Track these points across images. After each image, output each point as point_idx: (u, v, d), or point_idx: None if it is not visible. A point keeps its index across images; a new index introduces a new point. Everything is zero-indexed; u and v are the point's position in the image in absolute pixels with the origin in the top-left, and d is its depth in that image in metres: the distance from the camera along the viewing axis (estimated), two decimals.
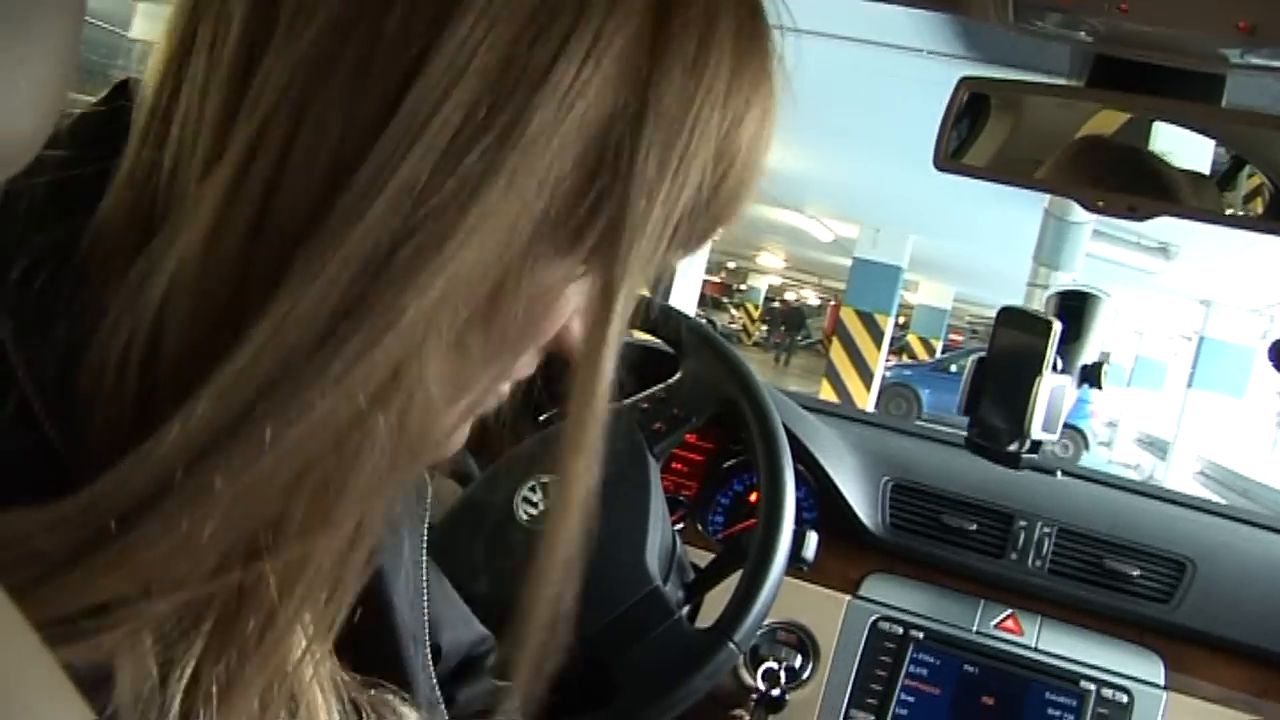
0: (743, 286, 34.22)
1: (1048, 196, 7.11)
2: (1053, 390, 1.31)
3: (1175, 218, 1.05)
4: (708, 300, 24.80)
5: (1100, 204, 1.05)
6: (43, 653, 0.29)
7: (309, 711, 0.48)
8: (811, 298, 34.83)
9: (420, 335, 0.40)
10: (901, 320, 22.03)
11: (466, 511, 1.24)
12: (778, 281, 34.67)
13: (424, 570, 0.69)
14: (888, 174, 10.15)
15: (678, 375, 1.29)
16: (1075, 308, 1.43)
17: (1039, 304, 1.51)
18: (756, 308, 32.05)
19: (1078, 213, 6.93)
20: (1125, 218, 1.04)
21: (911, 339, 22.43)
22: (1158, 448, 16.74)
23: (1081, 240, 7.34)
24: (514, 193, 0.40)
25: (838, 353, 14.25)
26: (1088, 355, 1.42)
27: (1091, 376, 1.41)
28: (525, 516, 1.21)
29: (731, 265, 32.29)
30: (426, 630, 0.68)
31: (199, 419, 0.37)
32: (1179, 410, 15.45)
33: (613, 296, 0.44)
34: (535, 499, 1.22)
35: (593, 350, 0.45)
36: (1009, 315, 1.37)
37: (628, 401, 1.28)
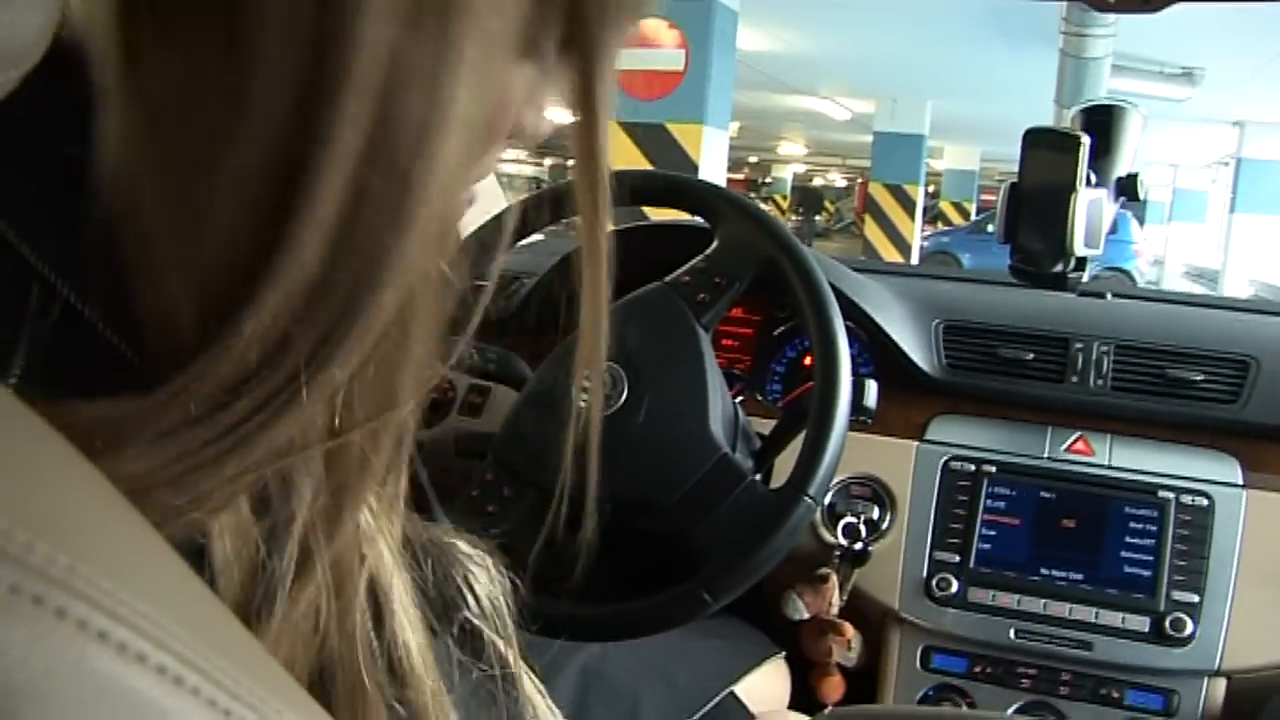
0: (768, 179, 33.93)
1: (1061, 38, 6.99)
2: (1089, 204, 1.30)
3: (1188, 1, 1.03)
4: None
5: (1113, 1, 1.04)
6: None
7: (380, 571, 0.49)
8: (838, 179, 34.52)
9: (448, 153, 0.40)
10: (931, 188, 21.80)
11: (528, 403, 1.25)
12: (802, 169, 34.37)
13: None
14: (897, 43, 10.00)
15: (714, 244, 1.29)
16: (1102, 121, 1.41)
17: None
18: (785, 198, 31.81)
19: (1094, 48, 6.80)
20: (1139, 11, 1.02)
21: (944, 205, 22.23)
22: (1207, 278, 16.56)
23: (1102, 77, 7.22)
24: None
25: (872, 229, 14.17)
26: (1121, 167, 1.40)
27: (1128, 189, 1.40)
28: (584, 403, 1.22)
29: (753, 159, 32.02)
30: None
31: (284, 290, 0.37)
32: (1224, 237, 15.26)
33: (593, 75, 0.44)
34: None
35: (591, 139, 0.46)
36: (1036, 136, 1.35)
37: (668, 279, 1.28)
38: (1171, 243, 21.71)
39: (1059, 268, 1.34)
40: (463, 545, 0.62)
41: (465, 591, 0.60)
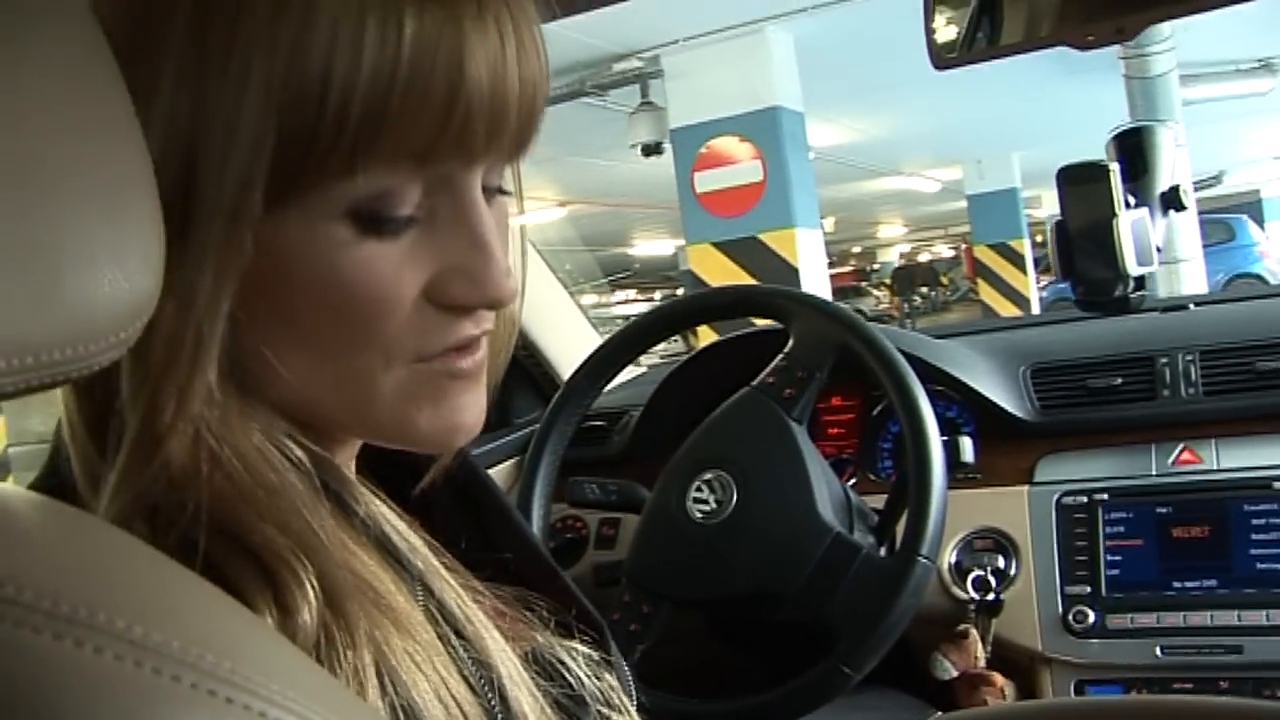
0: (875, 266, 33.81)
1: (1121, 63, 6.99)
2: (1134, 224, 1.34)
3: (1159, 21, 1.09)
4: (847, 291, 24.60)
5: (1089, 39, 1.10)
6: None
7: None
8: (945, 250, 34.26)
9: None
10: (1039, 238, 21.52)
11: (651, 524, 1.34)
12: (907, 247, 34.21)
13: None
14: (967, 106, 10.07)
15: (790, 342, 1.36)
16: (1134, 143, 1.47)
17: None
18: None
19: (1156, 65, 6.79)
20: (1115, 41, 1.09)
21: (1052, 253, 21.88)
22: None
23: (1172, 90, 7.16)
24: None
25: (987, 290, 14.07)
26: (1161, 183, 1.45)
27: (1173, 202, 1.44)
28: (699, 514, 1.30)
29: (856, 250, 32.00)
30: None
31: None
32: None
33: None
34: (704, 496, 1.31)
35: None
36: (1069, 172, 1.41)
37: (754, 383, 1.36)
38: None
39: (1120, 291, 1.38)
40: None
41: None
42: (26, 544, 0.31)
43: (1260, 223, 15.59)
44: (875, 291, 29.06)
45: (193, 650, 0.30)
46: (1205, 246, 11.31)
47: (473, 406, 0.59)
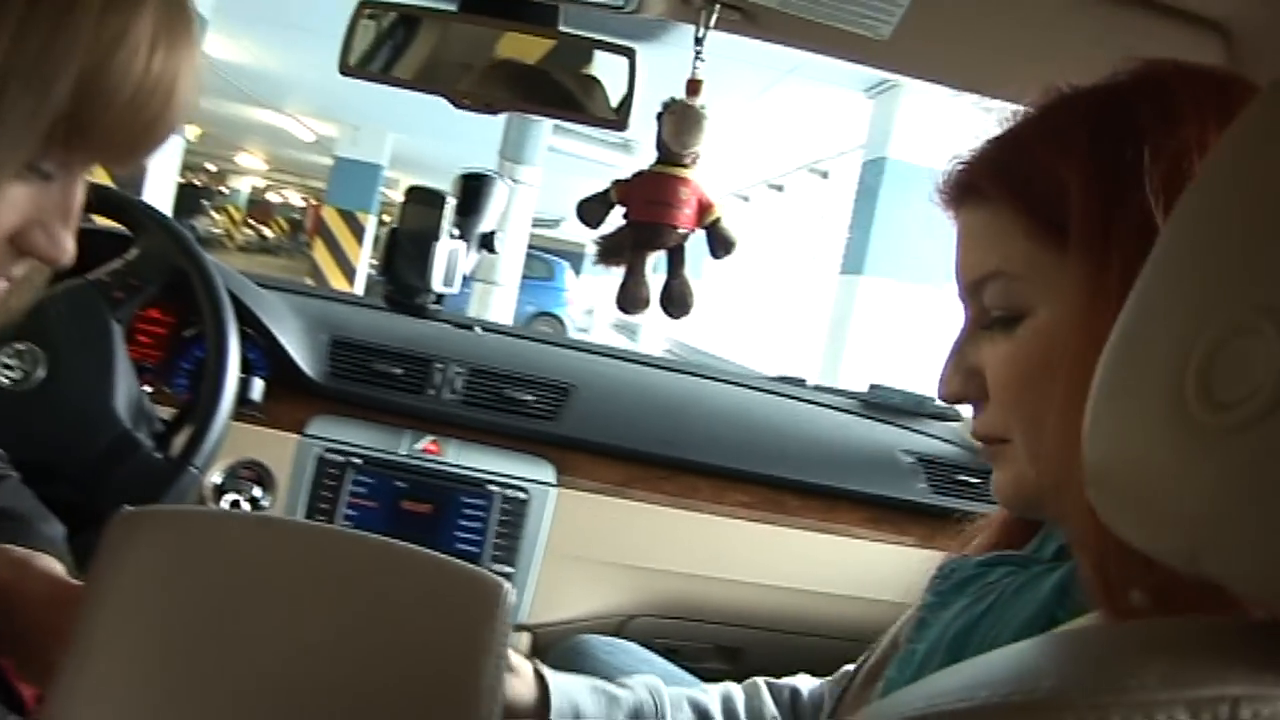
0: (225, 190, 32.86)
1: None
2: (449, 252, 1.63)
3: (521, 112, 1.38)
4: (188, 203, 23.69)
5: (466, 101, 1.36)
6: None
7: None
8: (296, 199, 34.13)
9: None
10: (386, 219, 22.18)
11: None
12: (261, 183, 33.64)
13: None
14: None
15: (133, 251, 1.47)
16: (474, 186, 1.76)
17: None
18: (240, 210, 30.97)
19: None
20: (483, 112, 1.35)
21: (383, 250, 22.52)
22: (629, 330, 18.15)
23: (541, 136, 7.86)
24: None
25: (321, 251, 14.28)
26: (484, 225, 1.75)
27: (487, 243, 1.75)
28: (5, 380, 1.37)
29: (212, 167, 30.92)
30: None
31: None
32: None
33: None
34: (13, 364, 1.38)
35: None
36: (415, 192, 1.67)
37: (90, 276, 1.45)
38: (605, 295, 23.39)
39: (422, 300, 1.66)
40: None
41: None
42: None
43: (578, 272, 17.25)
44: (215, 214, 28.20)
45: None
46: (526, 278, 12.39)
47: None
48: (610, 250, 1.41)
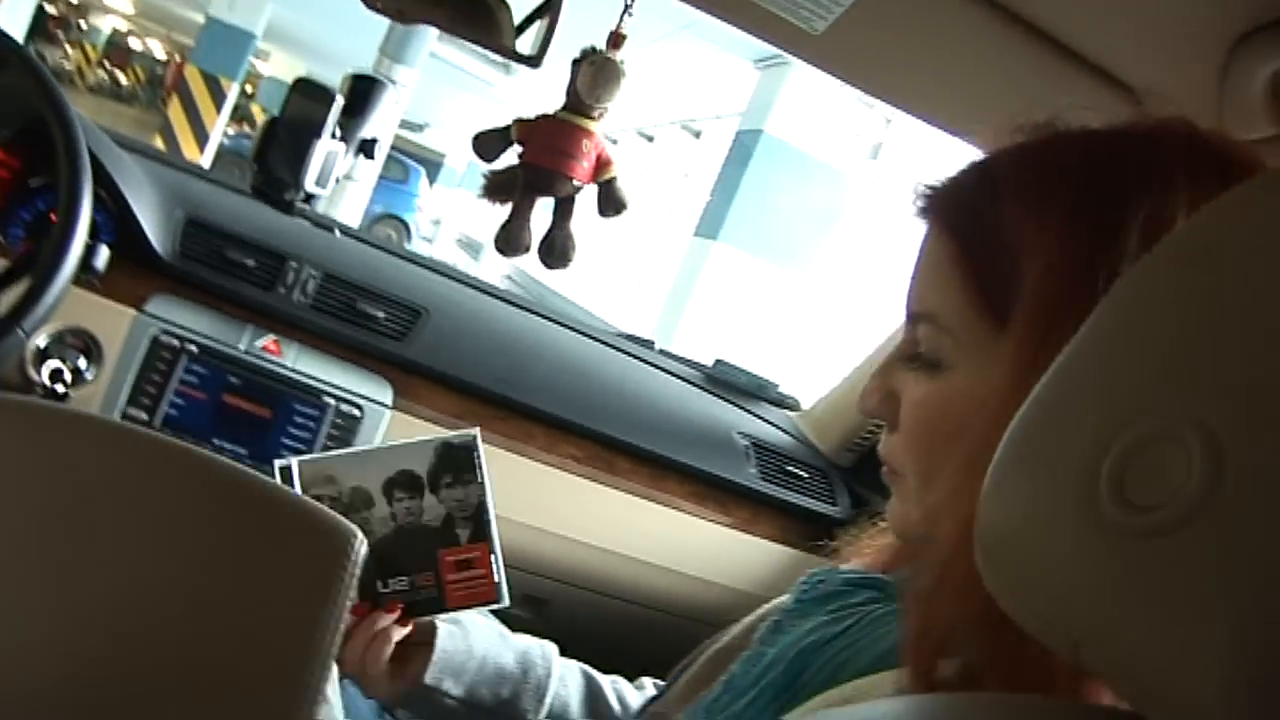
0: (84, 24, 31.18)
1: None
2: (328, 153, 1.57)
3: (435, 27, 1.33)
4: (41, 30, 22.39)
5: (379, 5, 1.31)
6: None
7: None
8: (158, 50, 32.63)
9: None
10: (250, 89, 21.46)
11: None
12: (124, 26, 32.03)
13: None
14: None
15: None
16: (363, 89, 1.70)
17: None
18: (95, 50, 29.48)
19: None
20: (392, 18, 1.30)
21: (256, 109, 21.96)
22: (473, 249, 17.98)
23: (425, 40, 7.68)
24: None
25: (176, 111, 13.70)
26: (367, 131, 1.69)
27: (366, 149, 1.69)
28: None
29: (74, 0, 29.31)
30: None
31: None
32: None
33: None
34: None
35: None
36: (303, 84, 1.60)
37: None
38: (455, 209, 23.17)
39: (290, 196, 1.60)
40: None
41: None
42: None
43: (431, 181, 16.97)
44: (69, 47, 26.82)
45: None
46: (381, 178, 12.14)
47: None
48: (498, 187, 1.38)
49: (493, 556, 1.19)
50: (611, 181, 1.36)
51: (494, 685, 1.18)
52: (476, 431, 1.22)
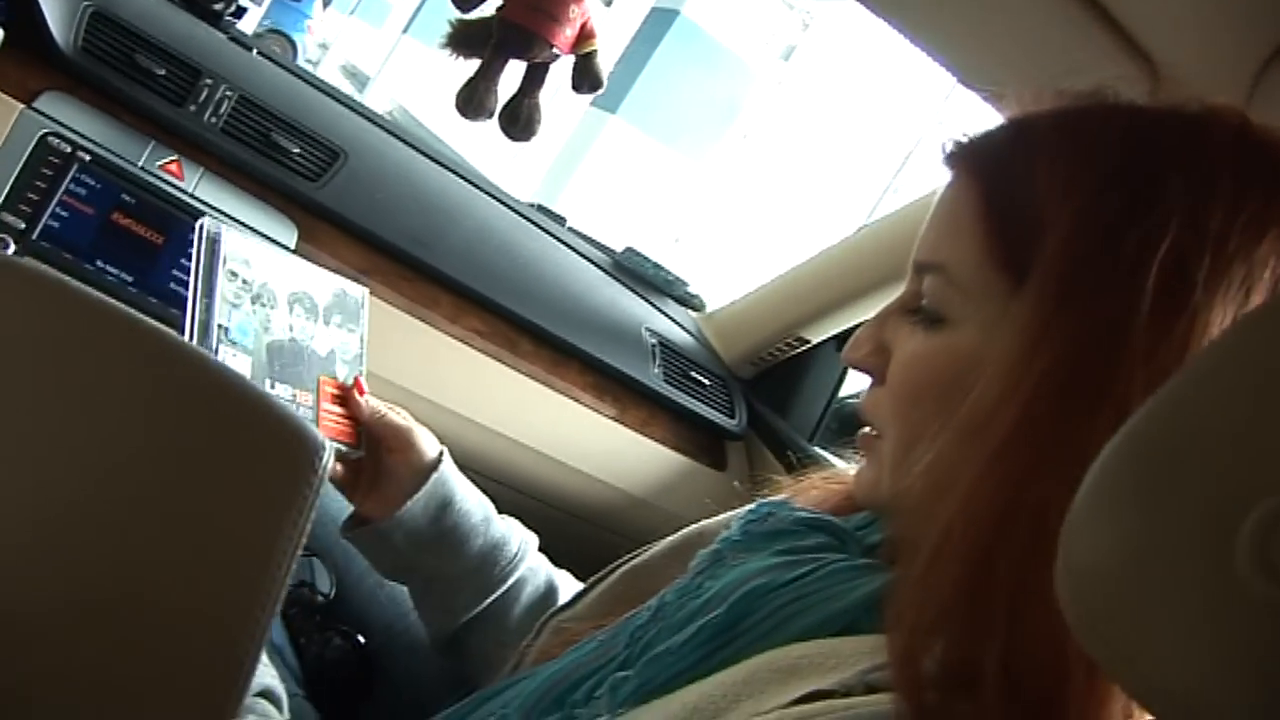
0: None
1: None
2: None
3: None
4: None
5: None
6: None
7: None
8: None
9: None
10: None
11: None
12: None
13: None
14: None
15: None
16: None
17: None
18: None
19: None
20: None
21: None
22: (359, 80, 17.34)
23: None
24: None
25: None
26: None
27: None
28: None
29: None
30: None
31: None
32: (388, 51, 16.10)
33: None
34: None
35: None
36: None
37: None
38: (344, 35, 22.23)
39: (220, 6, 1.44)
40: None
41: None
42: None
43: (326, 4, 16.25)
44: None
45: None
46: None
47: None
48: (466, 39, 1.25)
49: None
50: (591, 55, 1.25)
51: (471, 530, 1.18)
52: (366, 292, 1.22)
